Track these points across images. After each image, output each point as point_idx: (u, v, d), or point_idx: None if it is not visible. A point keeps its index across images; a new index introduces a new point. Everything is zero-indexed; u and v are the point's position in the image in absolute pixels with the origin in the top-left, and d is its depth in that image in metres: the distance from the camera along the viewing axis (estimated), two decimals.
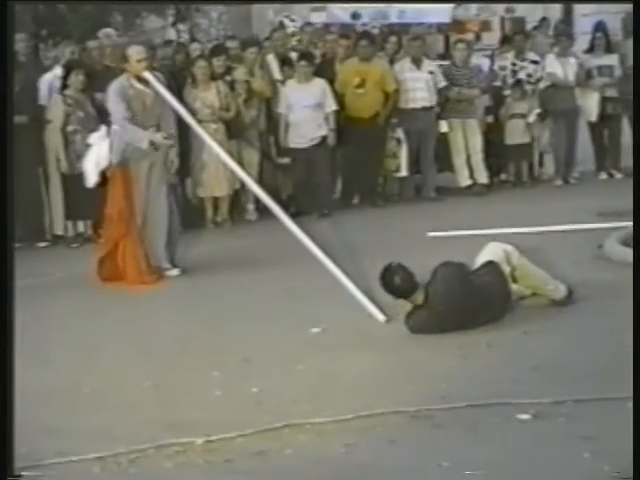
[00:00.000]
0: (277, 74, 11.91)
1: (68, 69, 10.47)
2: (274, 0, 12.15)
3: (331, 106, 11.54)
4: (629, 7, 12.37)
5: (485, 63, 13.33)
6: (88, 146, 8.89)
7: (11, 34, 5.08)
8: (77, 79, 10.30)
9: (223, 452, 4.59)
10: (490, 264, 6.75)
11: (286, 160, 11.72)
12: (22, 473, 4.06)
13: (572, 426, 4.66)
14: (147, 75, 8.47)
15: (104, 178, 8.60)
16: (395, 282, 6.51)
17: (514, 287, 6.76)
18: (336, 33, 14.30)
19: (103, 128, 8.79)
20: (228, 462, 4.49)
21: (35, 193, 10.44)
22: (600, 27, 13.49)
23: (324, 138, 11.58)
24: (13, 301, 4.40)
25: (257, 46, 12.02)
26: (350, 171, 12.16)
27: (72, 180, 10.10)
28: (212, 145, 8.88)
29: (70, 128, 10.32)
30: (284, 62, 11.95)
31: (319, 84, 11.56)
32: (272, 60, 12.00)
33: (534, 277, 6.87)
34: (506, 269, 6.69)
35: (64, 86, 10.37)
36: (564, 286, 6.94)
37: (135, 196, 8.53)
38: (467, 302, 6.50)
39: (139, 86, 8.52)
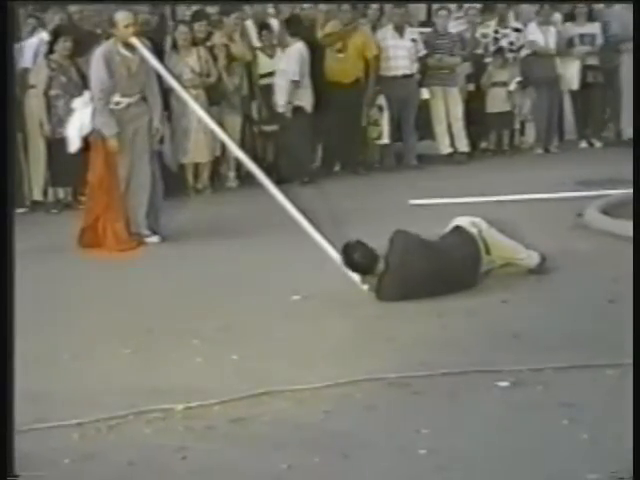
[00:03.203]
0: (255, 40, 11.81)
1: (56, 34, 10.43)
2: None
3: (294, 75, 11.26)
4: None
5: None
6: (71, 111, 8.83)
7: (11, 34, 5.00)
8: (64, 45, 10.28)
9: (203, 418, 4.60)
10: (457, 229, 6.76)
11: (273, 127, 11.60)
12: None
13: (551, 393, 4.68)
14: (134, 41, 8.39)
15: (87, 144, 8.55)
16: (355, 259, 6.54)
17: (485, 258, 6.72)
18: None
19: (87, 93, 8.71)
20: (208, 428, 4.50)
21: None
22: None
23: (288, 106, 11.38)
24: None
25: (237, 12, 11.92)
26: (331, 138, 12.10)
27: (55, 145, 10.05)
28: (197, 111, 8.80)
29: (52, 92, 10.28)
30: (262, 28, 11.83)
31: (290, 52, 11.34)
32: (250, 26, 11.90)
33: (504, 248, 6.81)
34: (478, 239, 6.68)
35: (50, 51, 10.32)
36: (537, 253, 6.91)
37: (118, 163, 8.47)
38: (430, 265, 6.50)
39: (125, 52, 8.44)
